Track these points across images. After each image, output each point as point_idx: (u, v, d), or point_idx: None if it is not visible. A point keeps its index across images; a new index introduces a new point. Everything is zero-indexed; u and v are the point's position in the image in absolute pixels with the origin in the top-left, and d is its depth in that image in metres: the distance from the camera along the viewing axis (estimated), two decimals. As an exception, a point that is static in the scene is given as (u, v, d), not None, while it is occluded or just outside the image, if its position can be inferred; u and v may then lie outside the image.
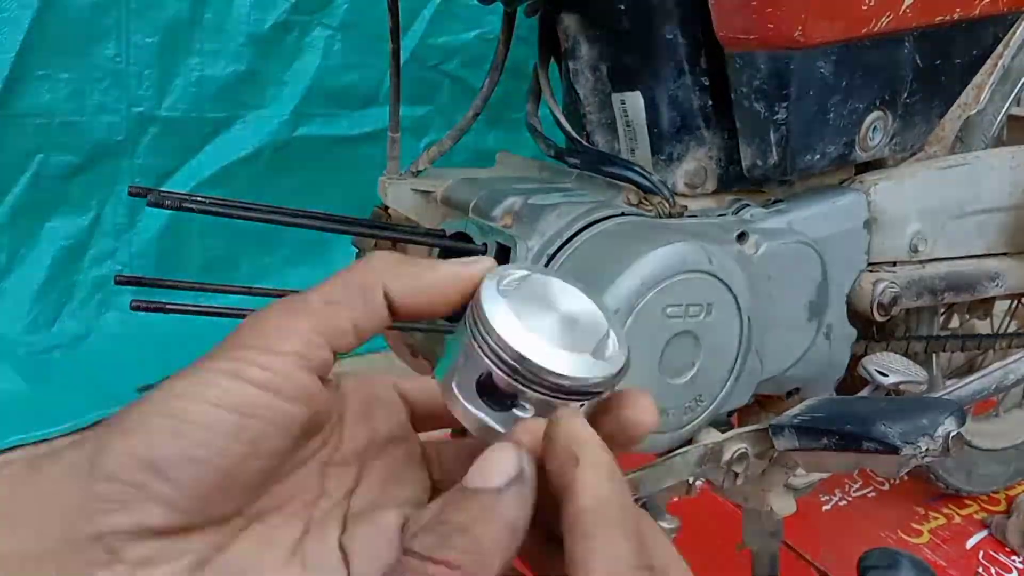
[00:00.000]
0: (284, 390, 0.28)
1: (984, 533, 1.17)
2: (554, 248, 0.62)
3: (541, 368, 0.29)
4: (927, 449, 0.59)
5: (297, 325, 0.29)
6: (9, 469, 0.27)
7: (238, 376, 0.28)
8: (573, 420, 0.29)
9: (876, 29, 0.68)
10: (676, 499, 0.69)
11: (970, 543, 1.16)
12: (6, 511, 0.26)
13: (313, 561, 0.31)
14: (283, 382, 0.28)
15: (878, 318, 0.75)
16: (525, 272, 0.32)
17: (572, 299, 0.32)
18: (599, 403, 0.31)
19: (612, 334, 0.31)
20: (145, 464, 0.26)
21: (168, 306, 0.58)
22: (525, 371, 0.29)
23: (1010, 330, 1.14)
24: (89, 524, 0.26)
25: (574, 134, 0.75)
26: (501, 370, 0.29)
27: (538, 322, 0.30)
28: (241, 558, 0.29)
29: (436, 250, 0.74)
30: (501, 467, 0.27)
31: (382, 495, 0.34)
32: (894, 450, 0.59)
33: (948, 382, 0.80)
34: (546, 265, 0.62)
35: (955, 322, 1.12)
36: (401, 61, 0.84)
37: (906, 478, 1.18)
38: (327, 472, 0.32)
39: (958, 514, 1.21)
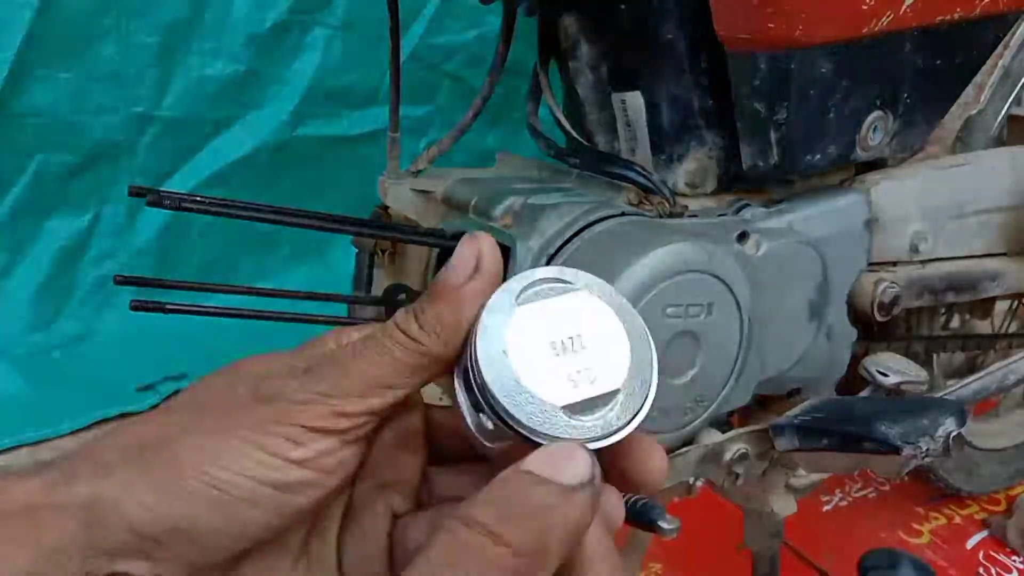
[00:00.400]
0: (326, 467, 0.28)
1: (984, 533, 1.17)
2: (554, 248, 0.62)
3: (498, 402, 0.27)
4: (927, 449, 0.59)
5: (348, 408, 0.28)
6: (24, 486, 0.27)
7: (282, 455, 0.27)
8: (600, 538, 0.27)
9: (876, 29, 0.68)
10: (676, 499, 0.69)
11: (970, 543, 1.16)
12: (17, 531, 0.26)
13: (315, 561, 0.31)
14: (327, 460, 0.28)
15: (879, 318, 0.75)
16: (559, 281, 0.29)
17: (597, 326, 0.28)
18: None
19: (632, 385, 0.28)
20: (177, 530, 0.26)
21: (168, 306, 0.58)
22: (488, 396, 0.27)
23: (1010, 330, 1.14)
24: (108, 563, 0.26)
25: (574, 134, 0.75)
26: (472, 377, 0.28)
27: (537, 348, 0.27)
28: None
29: (435, 253, 0.74)
30: (573, 466, 0.25)
31: (379, 480, 0.33)
32: (895, 450, 0.59)
33: (948, 382, 0.80)
34: (546, 265, 0.62)
35: (955, 322, 1.11)
36: (401, 61, 0.84)
37: (907, 478, 1.18)
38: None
39: (958, 514, 1.21)
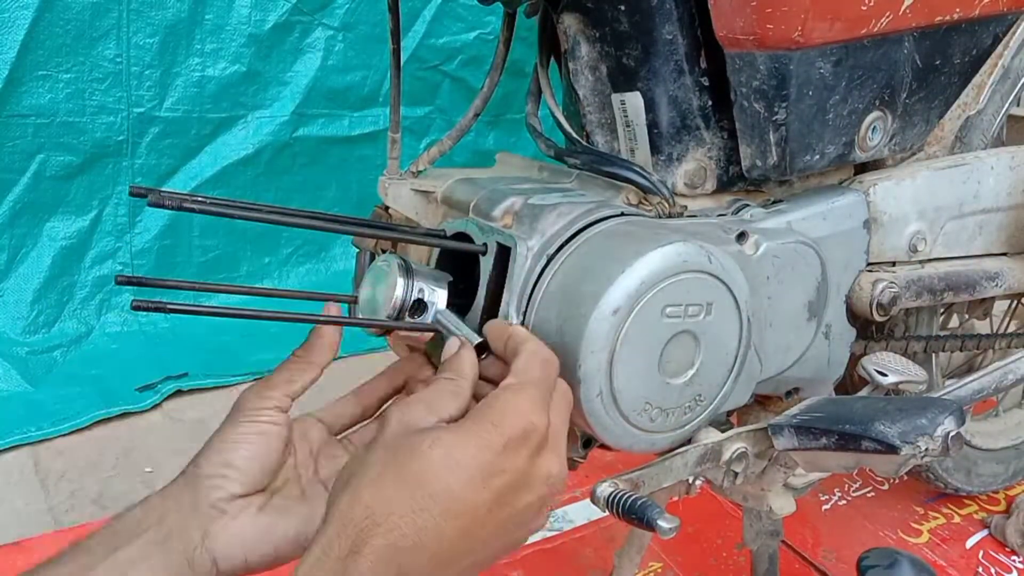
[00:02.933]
0: None
1: (984, 533, 1.17)
2: (554, 248, 0.62)
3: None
4: (926, 449, 0.59)
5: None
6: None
7: None
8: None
9: (876, 29, 0.68)
10: (676, 499, 0.69)
11: (970, 543, 1.16)
12: None
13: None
14: None
15: (877, 318, 0.75)
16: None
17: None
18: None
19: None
20: None
21: (168, 306, 0.58)
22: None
23: (1010, 330, 1.14)
24: None
25: (574, 134, 0.75)
26: None
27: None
28: None
29: (435, 253, 0.74)
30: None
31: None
32: (893, 450, 0.59)
33: (947, 382, 0.80)
34: (546, 265, 0.62)
35: (954, 322, 1.12)
36: (401, 61, 0.84)
37: (905, 478, 1.18)
38: None
39: (958, 514, 1.21)
